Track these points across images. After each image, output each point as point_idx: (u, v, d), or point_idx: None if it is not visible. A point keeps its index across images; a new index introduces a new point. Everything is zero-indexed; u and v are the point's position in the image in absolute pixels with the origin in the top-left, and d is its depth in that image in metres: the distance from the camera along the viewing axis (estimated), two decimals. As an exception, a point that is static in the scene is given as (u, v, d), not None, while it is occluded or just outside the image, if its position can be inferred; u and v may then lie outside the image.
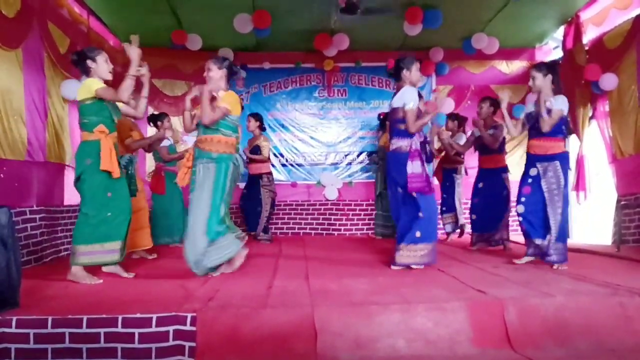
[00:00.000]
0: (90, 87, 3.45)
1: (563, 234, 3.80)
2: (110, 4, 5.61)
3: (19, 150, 4.17)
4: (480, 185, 5.10)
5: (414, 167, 3.75)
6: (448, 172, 5.89)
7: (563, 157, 3.87)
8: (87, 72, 3.57)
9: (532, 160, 3.93)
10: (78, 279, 3.40)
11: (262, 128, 6.10)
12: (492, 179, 4.98)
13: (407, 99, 3.76)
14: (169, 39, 6.26)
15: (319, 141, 7.55)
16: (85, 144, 3.49)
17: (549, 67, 3.90)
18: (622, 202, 5.34)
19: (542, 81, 3.85)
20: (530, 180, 3.90)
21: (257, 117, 6.08)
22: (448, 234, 6.04)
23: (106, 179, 3.47)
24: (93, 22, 5.74)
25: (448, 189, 5.90)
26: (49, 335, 2.40)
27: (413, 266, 3.79)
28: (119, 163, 3.66)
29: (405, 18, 5.85)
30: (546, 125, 3.76)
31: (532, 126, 3.92)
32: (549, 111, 3.78)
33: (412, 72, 3.84)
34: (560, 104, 3.78)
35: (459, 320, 2.54)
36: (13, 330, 2.40)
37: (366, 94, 7.50)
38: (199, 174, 3.58)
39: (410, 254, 3.78)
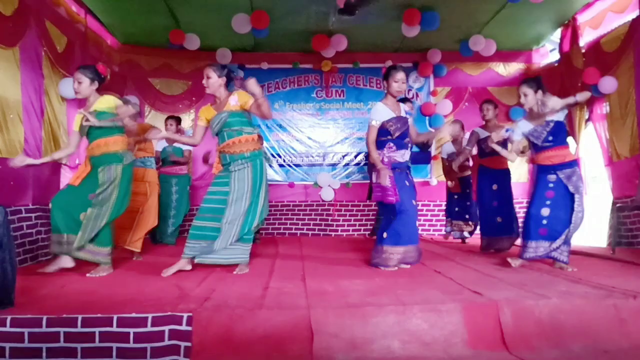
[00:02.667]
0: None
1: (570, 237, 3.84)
2: (107, 3, 5.59)
3: (15, 149, 4.16)
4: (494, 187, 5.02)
5: (377, 177, 3.82)
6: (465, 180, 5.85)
7: (578, 164, 3.92)
8: None
9: (548, 170, 3.82)
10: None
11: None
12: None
13: (372, 115, 3.87)
14: (167, 38, 6.25)
15: (317, 142, 7.56)
16: None
17: (538, 83, 3.86)
18: (618, 205, 5.36)
19: (534, 97, 3.82)
20: (551, 185, 3.81)
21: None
22: (463, 240, 6.04)
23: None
24: (90, 21, 5.73)
25: (466, 196, 5.88)
26: (44, 334, 2.39)
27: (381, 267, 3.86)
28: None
29: (403, 20, 5.87)
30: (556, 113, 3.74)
31: (545, 139, 3.80)
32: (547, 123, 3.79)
33: (391, 84, 3.84)
34: (559, 116, 3.78)
35: (454, 321, 2.54)
36: (7, 329, 2.39)
37: (364, 95, 7.52)
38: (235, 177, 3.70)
39: (379, 254, 3.86)
